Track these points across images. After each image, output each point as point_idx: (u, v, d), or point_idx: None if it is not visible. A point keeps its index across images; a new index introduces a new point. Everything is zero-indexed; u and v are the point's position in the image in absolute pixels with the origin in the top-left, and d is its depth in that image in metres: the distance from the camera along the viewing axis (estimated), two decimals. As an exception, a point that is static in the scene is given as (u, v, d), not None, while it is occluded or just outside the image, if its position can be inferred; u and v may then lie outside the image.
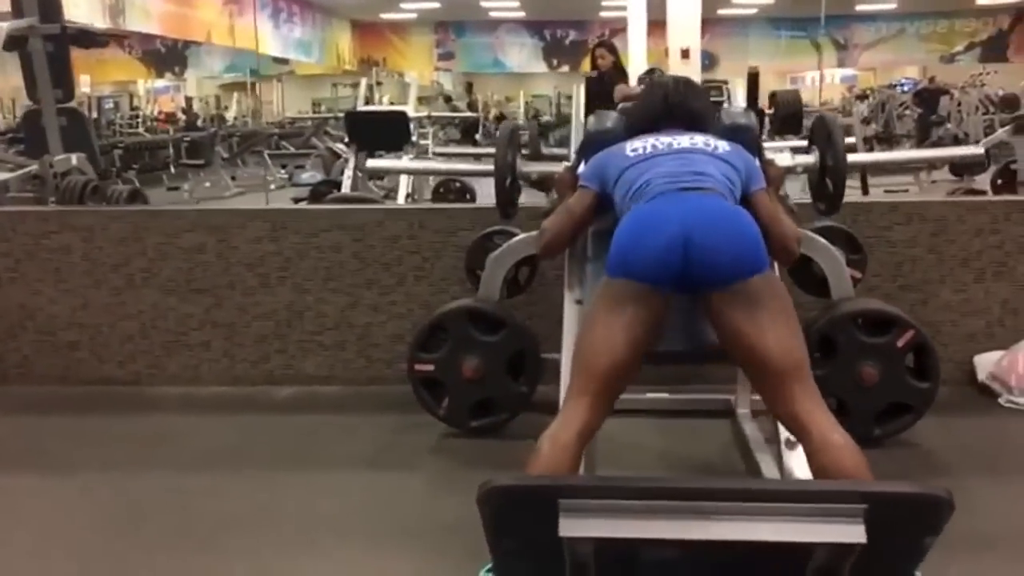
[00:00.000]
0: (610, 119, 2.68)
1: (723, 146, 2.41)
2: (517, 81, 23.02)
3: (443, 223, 3.76)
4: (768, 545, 1.62)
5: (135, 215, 3.91)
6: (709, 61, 18.77)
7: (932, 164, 9.97)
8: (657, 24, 19.05)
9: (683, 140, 2.41)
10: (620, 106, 2.85)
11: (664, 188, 2.25)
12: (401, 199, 8.15)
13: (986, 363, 3.49)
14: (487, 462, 2.99)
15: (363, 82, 10.73)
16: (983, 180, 8.82)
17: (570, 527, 1.65)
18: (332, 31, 21.02)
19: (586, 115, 7.82)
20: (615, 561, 1.75)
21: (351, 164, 8.32)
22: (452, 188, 8.72)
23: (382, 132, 8.44)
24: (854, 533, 1.60)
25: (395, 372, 3.79)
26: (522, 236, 3.22)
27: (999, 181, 8.40)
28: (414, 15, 21.16)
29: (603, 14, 20.47)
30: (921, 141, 12.87)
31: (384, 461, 3.06)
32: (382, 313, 3.82)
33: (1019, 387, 3.31)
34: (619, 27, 20.23)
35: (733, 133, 2.58)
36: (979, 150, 3.24)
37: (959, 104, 13.82)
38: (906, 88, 18.26)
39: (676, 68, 11.61)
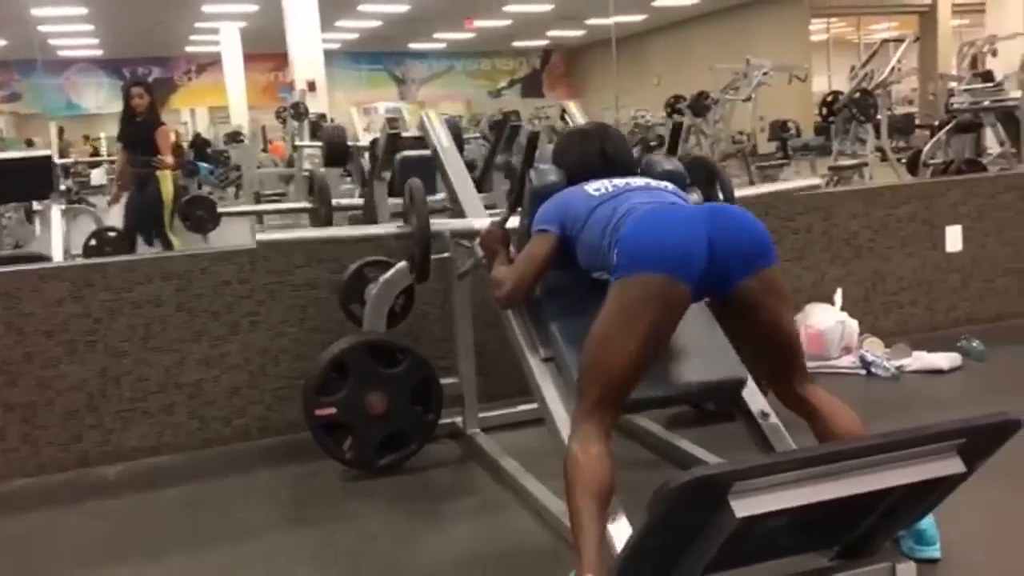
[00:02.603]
0: (552, 173, 2.57)
1: (669, 186, 2.46)
2: (97, 123, 21.15)
3: (276, 263, 3.55)
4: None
5: None
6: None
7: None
8: (261, 57, 18.87)
9: (635, 181, 2.43)
10: (552, 157, 2.65)
11: (654, 209, 2.24)
12: (58, 255, 7.29)
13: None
14: (415, 496, 2.95)
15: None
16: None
17: (744, 507, 1.78)
18: None
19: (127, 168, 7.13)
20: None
21: (-13, 219, 7.31)
22: (107, 239, 8.01)
23: (21, 180, 7.52)
24: (955, 465, 1.93)
25: (234, 430, 3.54)
26: (400, 266, 3.19)
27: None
28: (-34, 53, 18.67)
29: (191, 49, 19.69)
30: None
31: (310, 517, 2.86)
32: (215, 367, 3.51)
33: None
34: (208, 61, 19.66)
35: (663, 177, 2.58)
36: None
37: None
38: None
39: (308, 100, 11.69)
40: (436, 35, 21.30)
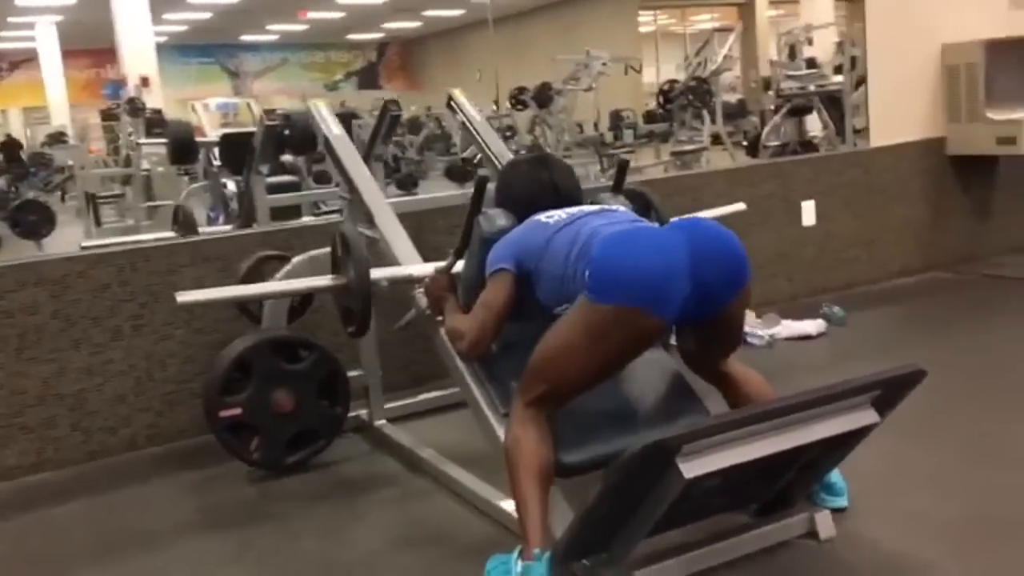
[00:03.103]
0: (501, 217, 2.43)
1: (622, 208, 2.44)
2: None
3: (159, 263, 3.41)
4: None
5: None
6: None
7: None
8: (79, 53, 17.79)
9: (587, 207, 2.37)
10: (496, 194, 2.52)
11: (630, 230, 2.17)
12: None
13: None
14: (331, 492, 2.90)
15: None
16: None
17: (691, 469, 1.87)
18: None
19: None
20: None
21: None
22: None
23: None
24: (870, 416, 2.08)
25: (121, 440, 3.38)
26: (298, 260, 3.13)
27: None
28: None
29: (1, 45, 18.37)
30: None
31: (224, 520, 2.76)
32: (97, 375, 3.33)
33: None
34: (21, 58, 18.40)
35: None
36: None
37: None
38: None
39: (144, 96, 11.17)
40: (269, 26, 20.72)
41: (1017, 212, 5.41)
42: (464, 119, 3.51)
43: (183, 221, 4.32)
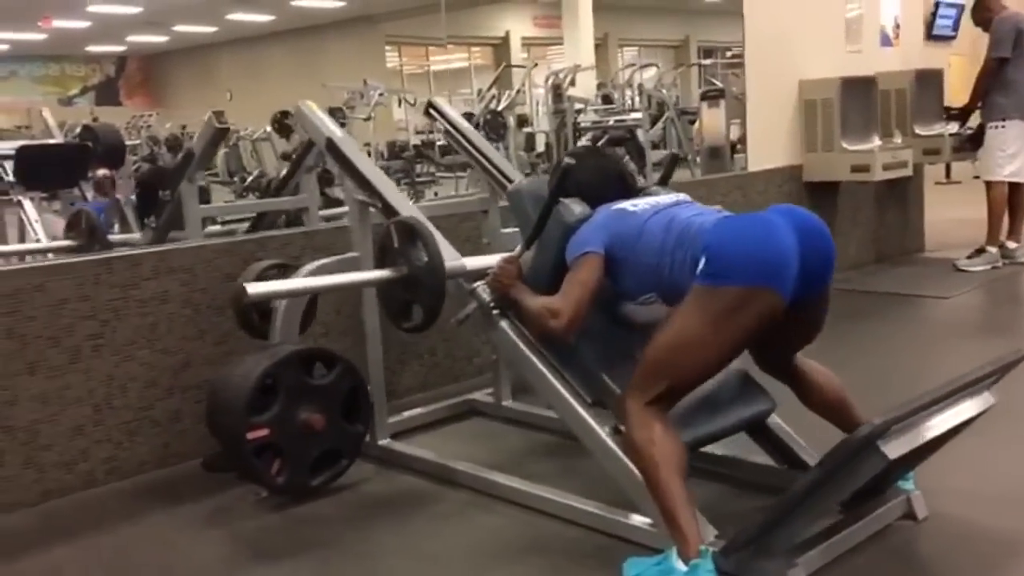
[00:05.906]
0: (578, 204, 2.47)
1: (696, 202, 2.49)
2: None
3: (122, 275, 3.02)
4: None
5: None
6: None
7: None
8: None
9: (662, 199, 2.44)
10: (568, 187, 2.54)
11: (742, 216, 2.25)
12: None
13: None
14: (374, 514, 2.68)
15: None
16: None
17: (892, 449, 1.94)
18: None
19: None
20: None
21: None
22: None
23: None
24: (989, 399, 2.25)
25: (78, 476, 2.96)
26: (307, 269, 2.89)
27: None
28: None
29: None
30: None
31: (275, 551, 2.48)
32: (52, 404, 2.89)
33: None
34: None
35: None
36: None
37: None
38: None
39: None
40: (0, 35, 18.73)
41: (852, 232, 6.04)
42: (448, 127, 3.41)
43: (87, 229, 3.76)
